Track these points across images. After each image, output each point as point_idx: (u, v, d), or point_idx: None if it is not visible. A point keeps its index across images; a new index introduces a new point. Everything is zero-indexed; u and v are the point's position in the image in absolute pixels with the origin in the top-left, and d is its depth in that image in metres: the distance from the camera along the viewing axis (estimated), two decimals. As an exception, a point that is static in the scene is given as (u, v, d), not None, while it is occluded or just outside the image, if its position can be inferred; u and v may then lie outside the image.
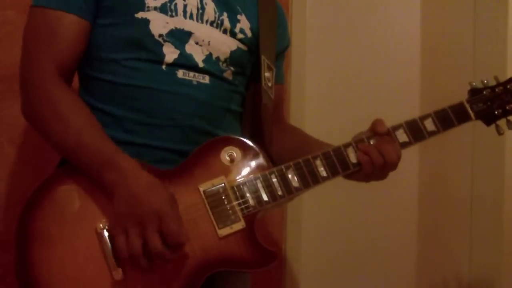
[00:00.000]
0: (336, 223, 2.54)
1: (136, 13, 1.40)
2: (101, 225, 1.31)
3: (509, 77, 1.52)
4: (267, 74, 1.57)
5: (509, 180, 2.39)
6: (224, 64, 1.50)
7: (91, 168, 1.31)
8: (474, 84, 1.51)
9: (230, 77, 1.53)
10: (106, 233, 1.30)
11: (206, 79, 1.46)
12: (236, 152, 1.41)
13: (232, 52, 1.51)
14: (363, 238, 2.54)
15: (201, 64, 1.45)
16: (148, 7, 1.41)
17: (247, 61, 1.57)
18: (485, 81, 1.52)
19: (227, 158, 1.40)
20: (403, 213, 2.58)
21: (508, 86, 1.51)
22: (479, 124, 1.53)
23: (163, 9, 1.42)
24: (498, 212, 2.41)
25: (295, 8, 2.41)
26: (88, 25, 1.41)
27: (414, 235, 2.59)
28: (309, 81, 2.45)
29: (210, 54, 1.47)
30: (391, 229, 2.56)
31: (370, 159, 1.42)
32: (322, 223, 2.52)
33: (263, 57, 1.56)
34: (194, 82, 1.44)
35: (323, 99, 2.50)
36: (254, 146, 1.43)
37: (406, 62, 2.56)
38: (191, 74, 1.44)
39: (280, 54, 1.72)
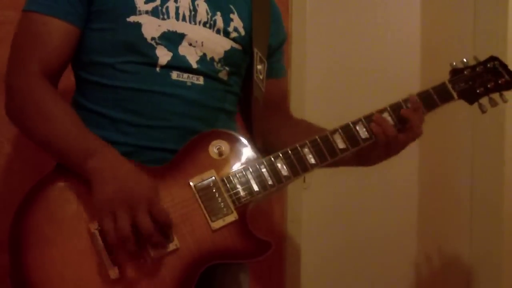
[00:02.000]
0: (336, 223, 2.54)
1: (128, 17, 1.41)
2: (94, 225, 1.31)
3: (489, 56, 1.55)
4: (259, 67, 1.58)
5: (509, 180, 2.39)
6: (219, 64, 1.51)
7: (74, 158, 1.32)
8: (454, 64, 1.54)
9: (225, 77, 1.53)
10: (99, 233, 1.30)
11: (200, 80, 1.47)
12: (224, 145, 1.41)
13: (226, 52, 1.52)
14: (363, 238, 2.54)
15: (195, 65, 1.46)
16: (139, 11, 1.42)
17: (242, 60, 1.58)
18: (465, 61, 1.54)
19: (216, 151, 1.41)
20: (403, 213, 2.59)
21: (489, 65, 1.54)
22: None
23: (154, 13, 1.43)
24: (498, 212, 2.41)
25: (295, 8, 2.42)
26: (75, 30, 1.42)
27: (414, 234, 2.59)
28: (309, 79, 2.46)
29: (204, 55, 1.48)
30: (391, 229, 2.56)
31: (382, 129, 1.44)
32: (322, 223, 2.52)
33: (255, 50, 1.57)
34: (188, 83, 1.45)
35: (323, 97, 2.51)
36: (241, 138, 1.44)
37: (406, 61, 2.57)
38: (185, 75, 1.45)
39: (278, 48, 1.72)
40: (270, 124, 1.65)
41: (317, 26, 2.48)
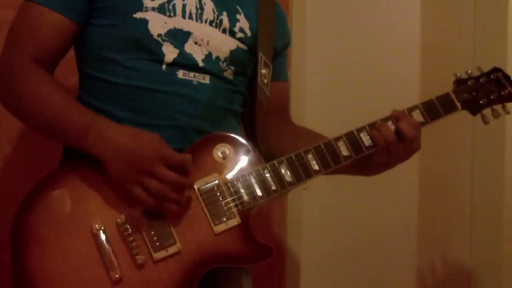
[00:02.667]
0: (336, 223, 2.54)
1: (134, 13, 1.41)
2: (96, 225, 1.31)
3: (492, 67, 1.55)
4: (263, 71, 1.58)
5: (509, 180, 2.38)
6: (224, 64, 1.50)
7: (74, 140, 1.33)
8: (458, 74, 1.53)
9: (231, 77, 1.53)
10: (102, 233, 1.31)
11: (206, 79, 1.46)
12: (228, 149, 1.41)
13: (232, 52, 1.52)
14: (363, 238, 2.54)
15: (201, 64, 1.46)
16: (146, 7, 1.42)
17: (248, 61, 1.58)
18: (469, 72, 1.54)
19: (220, 155, 1.41)
20: (403, 212, 2.58)
21: (492, 76, 1.54)
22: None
23: (161, 10, 1.43)
24: (498, 212, 2.40)
25: (295, 8, 2.42)
26: (72, 25, 1.41)
27: (414, 234, 2.59)
28: (309, 81, 2.46)
29: (210, 54, 1.48)
30: (391, 229, 2.56)
31: (381, 134, 1.43)
32: (322, 223, 2.52)
33: (260, 54, 1.57)
34: (194, 82, 1.45)
35: (323, 99, 2.51)
36: (246, 142, 1.44)
37: (406, 61, 2.56)
38: (191, 74, 1.44)
39: (282, 51, 1.72)
40: (268, 128, 1.65)
41: (317, 26, 2.48)
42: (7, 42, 1.41)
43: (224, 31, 1.51)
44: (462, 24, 2.55)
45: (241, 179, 1.39)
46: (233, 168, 1.40)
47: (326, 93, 2.52)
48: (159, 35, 1.41)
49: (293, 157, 1.43)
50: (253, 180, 1.39)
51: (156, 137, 1.32)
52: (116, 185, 1.32)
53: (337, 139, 1.45)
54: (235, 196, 1.38)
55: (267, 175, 1.40)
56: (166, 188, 1.29)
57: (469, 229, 2.53)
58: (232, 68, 1.52)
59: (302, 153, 1.43)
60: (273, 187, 1.40)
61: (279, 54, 1.70)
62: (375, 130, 1.45)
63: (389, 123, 1.46)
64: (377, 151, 1.45)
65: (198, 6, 1.47)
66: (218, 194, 1.37)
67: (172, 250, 1.32)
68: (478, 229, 2.50)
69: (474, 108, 1.52)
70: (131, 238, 1.32)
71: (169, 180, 1.29)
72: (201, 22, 1.47)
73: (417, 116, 1.48)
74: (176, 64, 1.43)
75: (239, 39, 1.53)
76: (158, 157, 1.29)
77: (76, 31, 1.43)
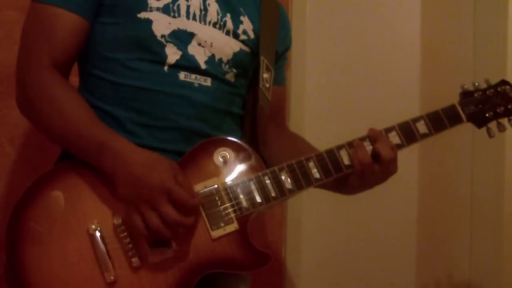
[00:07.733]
0: (336, 223, 2.53)
1: (139, 13, 1.40)
2: (93, 226, 1.31)
3: (500, 79, 1.52)
4: (265, 75, 1.56)
5: (509, 180, 2.38)
6: (227, 66, 1.50)
7: (88, 156, 1.33)
8: (465, 86, 1.51)
9: (232, 79, 1.52)
10: (98, 234, 1.31)
11: (208, 82, 1.46)
12: (229, 153, 1.40)
13: (235, 54, 1.51)
14: (363, 238, 2.54)
15: (203, 66, 1.45)
16: (150, 7, 1.41)
17: (250, 63, 1.57)
18: (476, 84, 1.52)
19: (220, 159, 1.39)
20: (403, 213, 2.58)
21: (499, 89, 1.51)
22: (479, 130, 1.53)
23: (165, 10, 1.41)
24: (498, 212, 2.40)
25: (295, 8, 2.42)
26: (86, 23, 1.41)
27: (414, 235, 2.58)
28: (309, 81, 2.46)
29: (213, 56, 1.47)
30: (391, 229, 2.55)
31: (357, 156, 1.42)
32: (322, 223, 2.52)
33: (262, 58, 1.56)
34: (196, 85, 1.44)
35: (322, 100, 2.50)
36: (247, 147, 1.42)
37: (406, 62, 2.55)
38: (193, 76, 1.44)
39: (282, 55, 1.71)
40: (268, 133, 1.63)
41: (317, 27, 2.47)
42: (22, 47, 1.40)
43: (227, 33, 1.50)
44: (462, 26, 2.54)
45: (240, 185, 1.38)
46: (233, 173, 1.39)
47: (326, 93, 2.51)
48: (162, 36, 1.40)
49: (294, 164, 1.41)
50: (253, 186, 1.38)
51: (170, 167, 1.31)
52: (115, 187, 1.32)
53: (340, 147, 1.44)
54: (234, 202, 1.37)
55: (267, 181, 1.39)
56: (162, 226, 1.27)
57: (469, 231, 2.53)
58: (234, 70, 1.51)
59: (304, 161, 1.42)
60: (273, 194, 1.39)
61: (280, 57, 1.68)
62: (352, 151, 1.43)
63: (366, 143, 1.45)
64: (353, 172, 1.44)
65: (202, 7, 1.46)
66: (217, 199, 1.36)
67: (167, 253, 1.32)
68: (478, 233, 2.50)
69: (479, 121, 1.50)
70: (127, 240, 1.32)
71: (168, 220, 1.27)
72: (205, 23, 1.46)
73: (422, 127, 1.46)
74: (178, 66, 1.42)
75: (242, 41, 1.52)
76: (165, 191, 1.27)
77: (89, 30, 1.42)
